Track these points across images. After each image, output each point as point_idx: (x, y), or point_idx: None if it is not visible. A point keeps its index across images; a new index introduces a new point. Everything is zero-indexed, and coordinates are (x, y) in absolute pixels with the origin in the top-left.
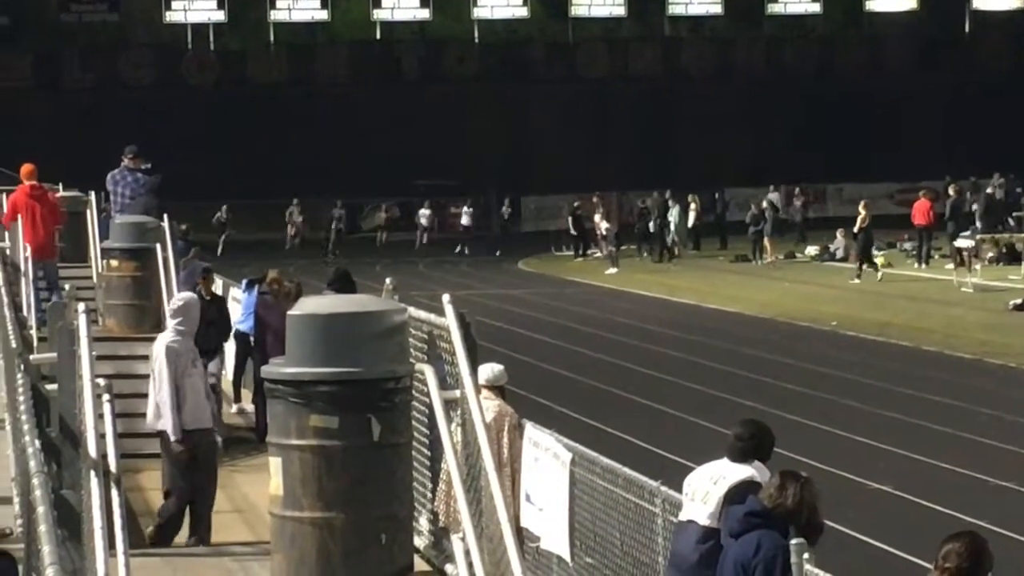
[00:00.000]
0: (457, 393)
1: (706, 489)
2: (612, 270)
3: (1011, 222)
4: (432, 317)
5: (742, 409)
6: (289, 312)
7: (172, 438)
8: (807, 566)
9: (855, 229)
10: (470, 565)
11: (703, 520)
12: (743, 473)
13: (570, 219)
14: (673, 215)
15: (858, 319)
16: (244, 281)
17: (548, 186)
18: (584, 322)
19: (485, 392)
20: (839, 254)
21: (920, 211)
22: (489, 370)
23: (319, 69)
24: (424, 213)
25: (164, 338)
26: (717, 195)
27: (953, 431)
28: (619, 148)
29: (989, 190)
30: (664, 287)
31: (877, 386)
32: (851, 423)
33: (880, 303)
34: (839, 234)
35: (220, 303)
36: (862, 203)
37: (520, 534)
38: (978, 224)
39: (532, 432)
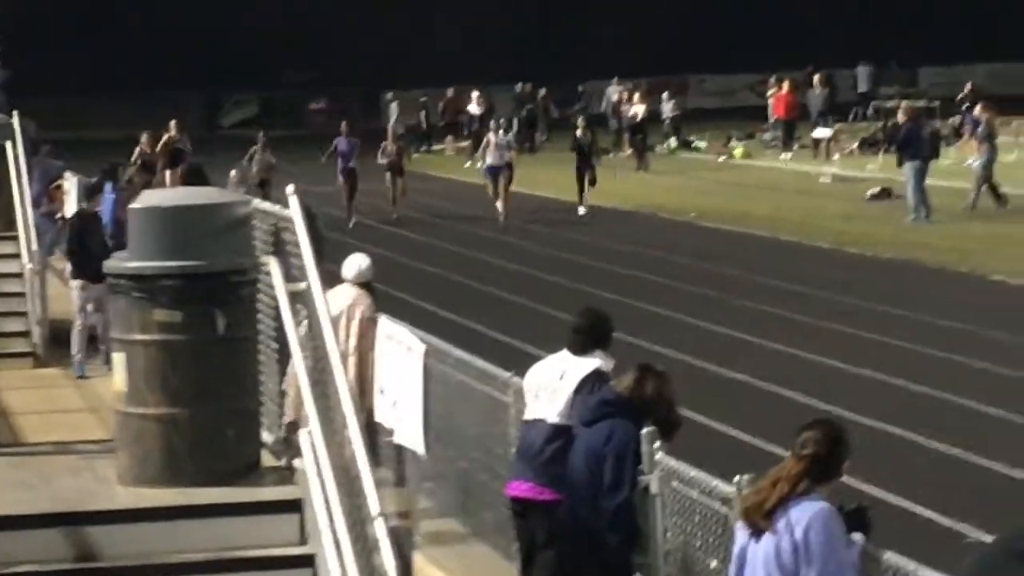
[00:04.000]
0: (303, 285)
1: (553, 386)
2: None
3: (871, 112)
4: (277, 209)
5: (598, 300)
6: (131, 206)
7: None
8: (658, 455)
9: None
10: (317, 459)
11: (552, 418)
12: (589, 366)
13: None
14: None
15: (719, 210)
16: (94, 179)
17: (417, 80)
18: (439, 214)
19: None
20: (700, 145)
21: (781, 102)
22: (356, 266)
23: None
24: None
25: None
26: (581, 88)
27: (811, 320)
28: (492, 40)
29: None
30: (524, 180)
31: (734, 275)
32: (708, 313)
33: (741, 194)
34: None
35: (88, 219)
36: (636, 95)
37: (375, 428)
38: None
39: (386, 325)
